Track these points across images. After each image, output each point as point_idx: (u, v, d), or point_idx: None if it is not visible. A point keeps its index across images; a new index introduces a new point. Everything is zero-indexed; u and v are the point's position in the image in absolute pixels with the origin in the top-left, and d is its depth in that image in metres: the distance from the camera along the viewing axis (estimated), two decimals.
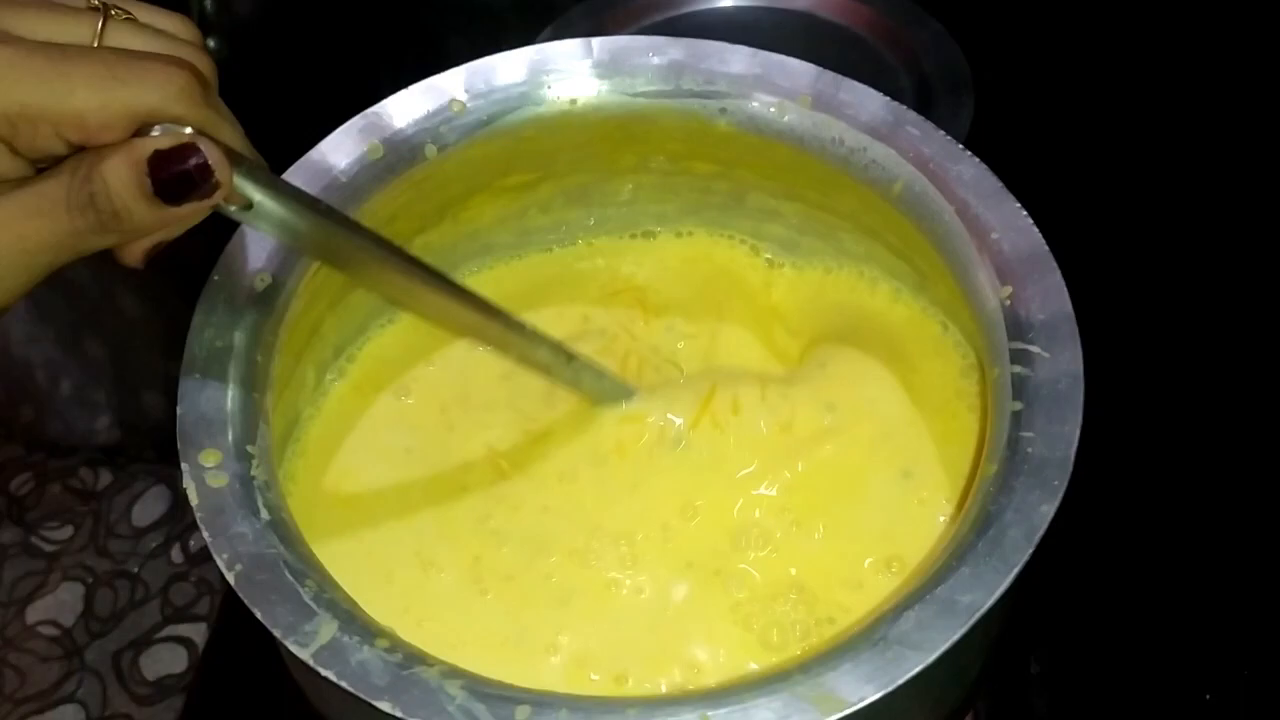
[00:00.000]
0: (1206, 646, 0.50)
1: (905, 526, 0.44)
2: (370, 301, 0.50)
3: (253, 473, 0.38)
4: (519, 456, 0.47)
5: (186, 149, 0.31)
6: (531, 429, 0.48)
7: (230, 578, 0.36)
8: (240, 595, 0.35)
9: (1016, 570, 0.35)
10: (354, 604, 0.36)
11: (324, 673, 0.34)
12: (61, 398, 0.88)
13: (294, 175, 0.45)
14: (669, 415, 0.47)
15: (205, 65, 0.33)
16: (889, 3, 0.67)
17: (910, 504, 0.44)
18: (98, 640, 0.86)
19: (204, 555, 0.80)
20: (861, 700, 0.33)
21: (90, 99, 0.30)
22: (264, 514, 0.37)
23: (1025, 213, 0.42)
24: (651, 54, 0.47)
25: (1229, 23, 0.67)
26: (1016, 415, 0.38)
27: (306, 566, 0.37)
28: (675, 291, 0.52)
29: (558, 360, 0.45)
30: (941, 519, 0.44)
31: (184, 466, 0.38)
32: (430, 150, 0.46)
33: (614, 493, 0.46)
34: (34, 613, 0.87)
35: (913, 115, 0.45)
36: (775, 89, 0.47)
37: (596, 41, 0.48)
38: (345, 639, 0.34)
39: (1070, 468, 0.36)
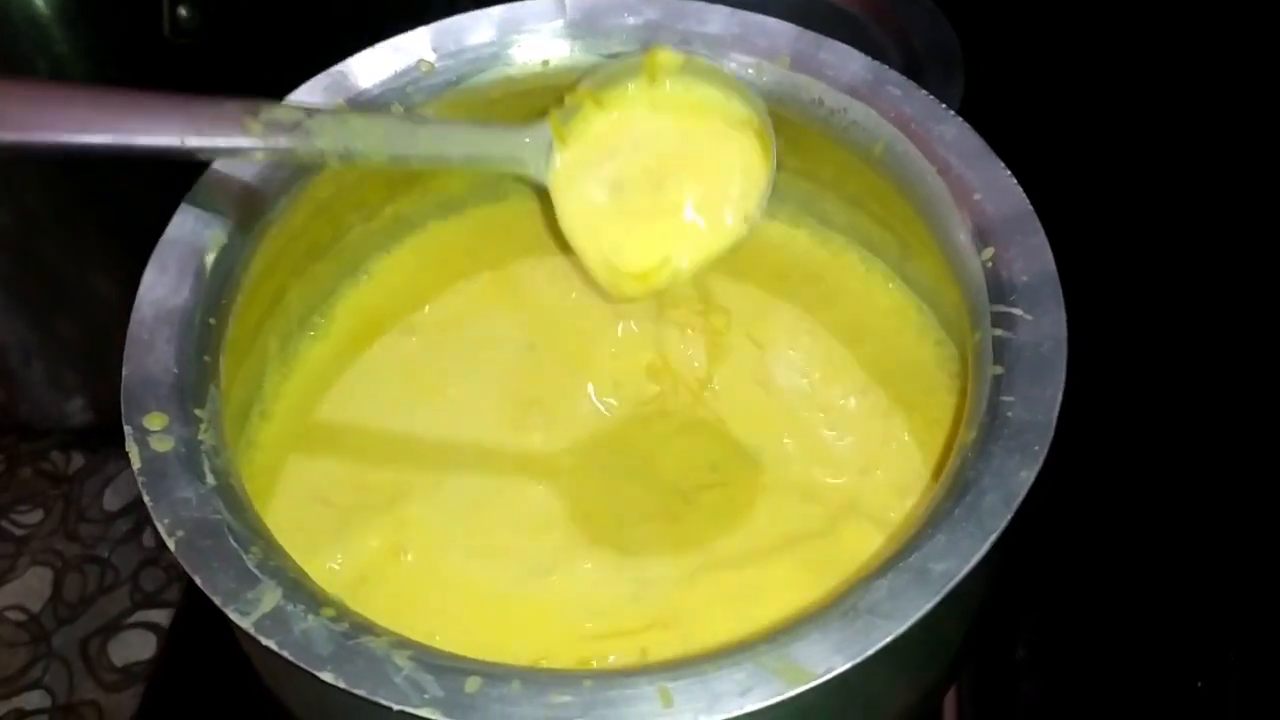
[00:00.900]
0: (1195, 630, 0.49)
1: None
2: (338, 268, 0.49)
3: (200, 437, 0.37)
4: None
5: None
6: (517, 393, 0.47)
7: (171, 544, 0.34)
8: (181, 561, 0.34)
9: (994, 537, 0.33)
10: (301, 572, 0.35)
11: (265, 641, 0.32)
12: (33, 379, 0.87)
13: None
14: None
15: None
16: None
17: None
18: (65, 626, 0.85)
19: None
20: (829, 671, 0.31)
21: None
22: (209, 479, 0.36)
23: (1009, 172, 0.41)
24: (626, 13, 0.46)
25: (1217, 1, 0.66)
26: (997, 380, 0.36)
27: (252, 533, 0.35)
28: None
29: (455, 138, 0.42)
30: None
31: (126, 429, 0.37)
32: (397, 111, 0.45)
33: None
34: (1, 597, 0.86)
35: (894, 75, 0.44)
36: (753, 49, 0.46)
37: (569, 0, 0.46)
38: (289, 607, 0.33)
39: (1051, 432, 0.35)
